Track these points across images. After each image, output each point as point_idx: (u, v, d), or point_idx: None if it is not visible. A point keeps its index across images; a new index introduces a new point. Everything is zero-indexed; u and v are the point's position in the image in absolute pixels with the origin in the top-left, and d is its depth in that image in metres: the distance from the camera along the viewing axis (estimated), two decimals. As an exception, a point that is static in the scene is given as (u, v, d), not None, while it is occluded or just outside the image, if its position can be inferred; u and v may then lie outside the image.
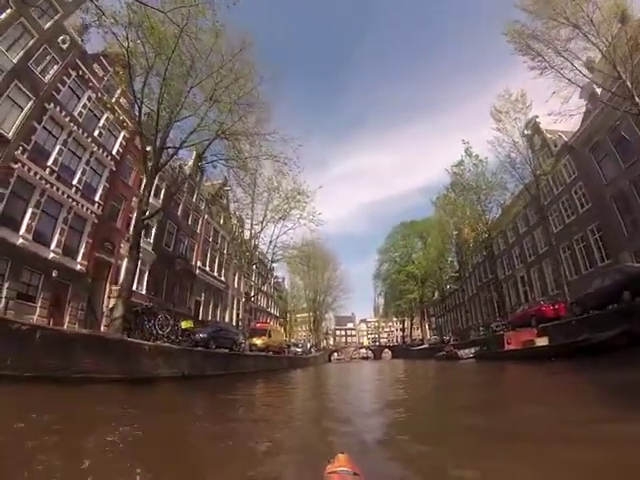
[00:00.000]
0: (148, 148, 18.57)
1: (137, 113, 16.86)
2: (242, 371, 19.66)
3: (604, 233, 26.71)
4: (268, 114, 22.33)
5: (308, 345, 62.93)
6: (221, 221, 39.64)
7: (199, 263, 36.65)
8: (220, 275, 41.37)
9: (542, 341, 17.31)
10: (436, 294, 62.46)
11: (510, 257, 40.76)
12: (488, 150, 31.04)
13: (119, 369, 11.03)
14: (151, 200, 29.97)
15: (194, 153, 38.16)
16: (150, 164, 17.28)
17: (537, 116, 31.13)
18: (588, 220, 27.96)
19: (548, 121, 29.13)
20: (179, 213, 34.41)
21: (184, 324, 17.85)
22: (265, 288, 61.38)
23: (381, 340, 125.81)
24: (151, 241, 29.51)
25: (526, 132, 36.15)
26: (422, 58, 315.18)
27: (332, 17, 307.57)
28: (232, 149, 19.56)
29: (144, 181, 17.77)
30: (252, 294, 32.38)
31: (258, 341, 28.64)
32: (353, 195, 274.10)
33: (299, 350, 47.60)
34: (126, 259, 19.63)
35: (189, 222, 36.17)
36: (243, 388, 13.77)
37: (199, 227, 38.12)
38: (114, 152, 27.08)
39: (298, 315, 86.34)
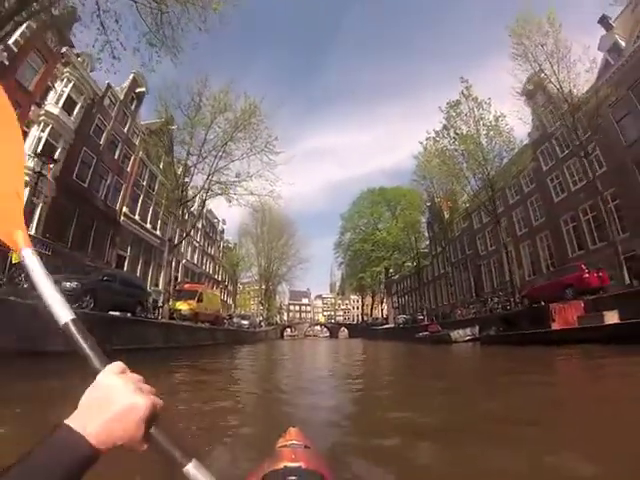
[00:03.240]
0: None
1: None
2: (140, 346, 13.19)
3: (621, 202, 22.04)
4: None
5: (258, 319, 56.81)
6: (161, 165, 32.05)
7: (125, 209, 29.58)
8: (155, 229, 34.47)
9: (611, 317, 12.03)
10: (401, 269, 58.18)
11: (495, 230, 35.59)
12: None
13: None
14: (58, 113, 23.28)
15: (131, 76, 31.46)
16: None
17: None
18: (602, 186, 23.17)
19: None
20: (102, 142, 27.19)
21: (15, 257, 11.38)
22: (212, 251, 54.98)
23: (337, 318, 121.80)
24: (51, 166, 22.38)
25: (529, 87, 31.03)
26: (398, 42, 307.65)
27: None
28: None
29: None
30: (176, 241, 25.02)
31: (183, 306, 21.79)
32: (317, 174, 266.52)
33: (245, 323, 40.86)
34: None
35: (116, 156, 28.95)
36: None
37: (130, 166, 30.90)
38: (11, 41, 20.37)
39: (250, 288, 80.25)
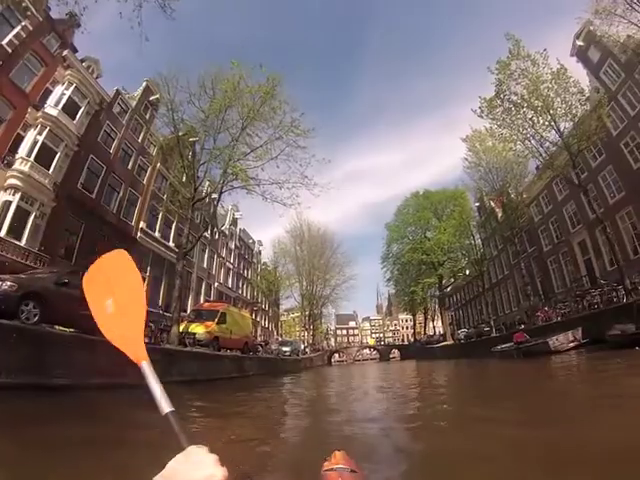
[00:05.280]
0: None
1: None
2: (110, 381, 8.54)
3: None
4: None
5: (302, 345, 52.27)
6: (183, 178, 28.74)
7: (142, 225, 26.52)
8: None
9: None
10: (456, 278, 53.98)
11: (561, 219, 30.34)
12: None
13: None
14: (57, 115, 20.49)
15: (144, 84, 28.89)
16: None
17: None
18: None
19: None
20: (112, 151, 24.45)
21: None
22: (249, 274, 51.62)
23: (387, 339, 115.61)
24: (50, 172, 19.46)
25: (579, 43, 26.50)
26: (426, 52, 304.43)
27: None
28: None
29: None
30: (187, 248, 20.65)
31: (198, 328, 17.42)
32: (354, 196, 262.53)
33: (286, 350, 36.12)
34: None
35: (129, 167, 26.13)
36: None
37: (146, 178, 28.00)
38: (4, 42, 18.39)
39: (294, 315, 77.22)
